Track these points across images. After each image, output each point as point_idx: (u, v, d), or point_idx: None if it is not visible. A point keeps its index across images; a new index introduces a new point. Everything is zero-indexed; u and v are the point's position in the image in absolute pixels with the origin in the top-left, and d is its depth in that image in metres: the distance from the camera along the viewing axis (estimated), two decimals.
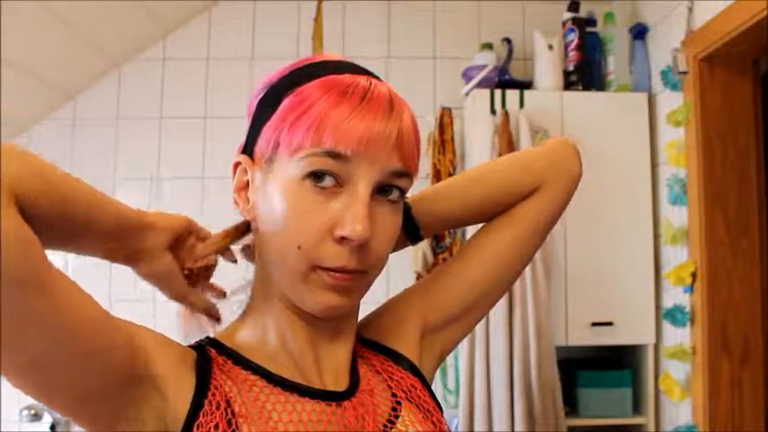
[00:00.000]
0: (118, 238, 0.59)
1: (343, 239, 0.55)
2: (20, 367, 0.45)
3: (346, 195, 0.56)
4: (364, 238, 0.55)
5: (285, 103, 0.58)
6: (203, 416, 0.53)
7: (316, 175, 0.56)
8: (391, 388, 0.66)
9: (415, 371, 0.69)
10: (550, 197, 0.74)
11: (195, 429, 0.53)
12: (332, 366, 0.63)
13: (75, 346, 0.46)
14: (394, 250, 0.66)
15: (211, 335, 0.64)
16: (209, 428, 0.53)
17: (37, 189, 0.49)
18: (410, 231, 0.72)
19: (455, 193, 0.75)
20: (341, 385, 0.63)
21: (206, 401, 0.54)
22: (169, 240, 0.63)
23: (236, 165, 0.63)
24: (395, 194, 0.59)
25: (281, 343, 0.62)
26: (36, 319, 0.43)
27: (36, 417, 2.09)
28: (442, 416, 0.67)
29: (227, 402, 0.55)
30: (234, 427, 0.54)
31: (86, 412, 0.51)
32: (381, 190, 0.58)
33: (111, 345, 0.49)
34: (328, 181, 0.56)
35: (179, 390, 0.54)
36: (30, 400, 2.12)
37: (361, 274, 0.58)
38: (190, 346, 0.61)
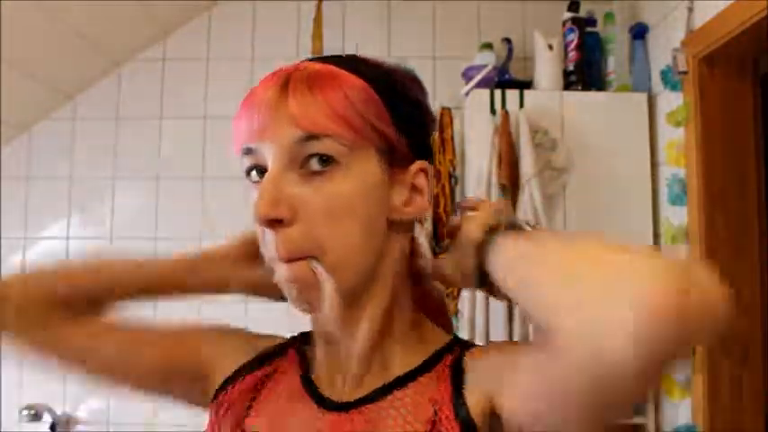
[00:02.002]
0: (175, 284, 0.71)
1: (266, 225, 0.55)
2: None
3: None
4: (263, 217, 0.54)
5: None
6: (231, 387, 0.65)
7: (249, 174, 0.59)
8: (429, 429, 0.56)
9: (467, 428, 0.55)
10: (557, 364, 0.45)
11: (229, 386, 0.65)
12: (341, 371, 0.62)
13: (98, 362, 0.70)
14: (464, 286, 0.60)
15: None
16: (226, 400, 0.64)
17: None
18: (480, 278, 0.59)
19: (513, 269, 0.53)
20: (344, 395, 0.60)
21: (248, 375, 0.65)
22: (237, 258, 0.69)
23: None
24: (314, 163, 0.55)
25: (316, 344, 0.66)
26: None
27: (36, 417, 2.09)
28: None
29: (254, 391, 0.64)
30: (247, 410, 0.63)
31: (179, 399, 0.71)
32: (306, 163, 0.56)
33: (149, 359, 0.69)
34: (254, 175, 0.58)
35: (224, 368, 0.67)
36: (30, 400, 2.12)
37: (311, 260, 0.55)
38: (292, 338, 0.70)
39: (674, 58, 1.79)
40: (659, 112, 1.97)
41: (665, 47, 1.91)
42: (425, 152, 0.64)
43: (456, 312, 1.94)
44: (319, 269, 0.55)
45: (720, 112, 1.74)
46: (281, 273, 0.56)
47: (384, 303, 0.61)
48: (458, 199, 2.02)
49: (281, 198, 0.55)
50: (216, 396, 0.65)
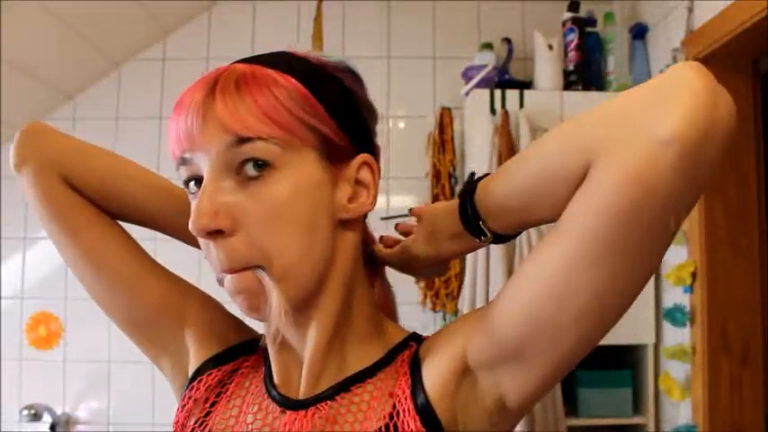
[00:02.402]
0: None
1: (207, 237, 0.54)
2: (75, 262, 0.70)
3: None
4: (199, 229, 0.52)
5: None
6: (197, 383, 0.65)
7: (186, 184, 0.57)
8: (387, 421, 0.56)
9: (427, 415, 0.54)
10: (591, 185, 0.44)
11: (195, 382, 0.65)
12: (298, 370, 0.61)
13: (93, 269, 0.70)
14: (460, 253, 0.61)
15: None
16: (192, 396, 0.64)
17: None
18: (471, 224, 0.57)
19: (512, 168, 0.54)
20: (301, 392, 0.60)
21: (207, 376, 0.65)
22: None
23: None
24: (249, 168, 0.53)
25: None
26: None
27: (36, 417, 2.09)
28: None
29: (220, 386, 0.64)
30: (212, 407, 0.63)
31: (137, 336, 0.71)
32: (241, 169, 0.53)
33: (141, 287, 0.69)
34: (192, 187, 0.56)
35: (199, 347, 0.67)
36: (30, 400, 2.12)
37: (256, 270, 0.54)
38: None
39: (674, 58, 1.79)
40: None
41: (665, 47, 1.91)
42: (368, 145, 0.62)
43: (456, 312, 1.94)
44: (265, 279, 0.54)
45: None
46: (227, 284, 0.55)
47: (337, 304, 0.59)
48: None
49: (219, 208, 0.53)
50: (189, 386, 0.66)
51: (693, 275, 1.74)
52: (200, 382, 0.65)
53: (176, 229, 0.71)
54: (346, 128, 0.58)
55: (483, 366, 0.55)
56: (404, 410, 0.55)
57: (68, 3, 1.88)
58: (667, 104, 0.41)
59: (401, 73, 2.27)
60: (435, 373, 0.56)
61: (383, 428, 0.55)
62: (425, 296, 1.98)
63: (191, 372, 0.67)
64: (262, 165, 0.53)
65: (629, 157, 0.42)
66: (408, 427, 0.54)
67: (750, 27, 1.51)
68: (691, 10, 1.76)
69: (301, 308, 0.57)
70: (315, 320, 0.59)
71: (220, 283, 0.56)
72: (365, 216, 0.63)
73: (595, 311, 0.49)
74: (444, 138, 2.04)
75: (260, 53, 0.60)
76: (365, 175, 0.60)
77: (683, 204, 0.45)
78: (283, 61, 0.58)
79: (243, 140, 0.52)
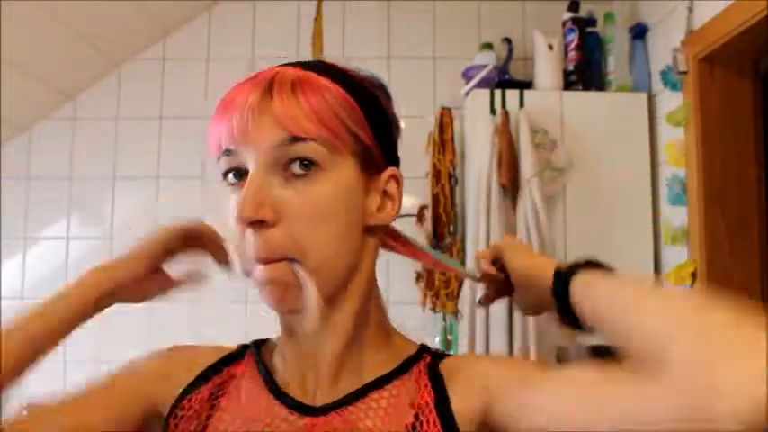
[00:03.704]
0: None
1: (244, 227, 0.56)
2: None
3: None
4: (246, 218, 0.55)
5: None
6: (183, 407, 0.62)
7: (227, 175, 0.59)
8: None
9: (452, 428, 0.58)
10: (647, 395, 0.45)
11: (180, 410, 0.62)
12: (314, 375, 0.62)
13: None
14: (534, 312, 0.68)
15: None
16: (186, 415, 0.62)
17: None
18: (569, 317, 0.62)
19: (612, 312, 0.56)
20: (319, 398, 0.61)
21: (193, 395, 0.63)
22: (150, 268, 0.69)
23: None
24: (296, 167, 0.56)
25: (282, 358, 0.65)
26: None
27: None
28: None
29: (212, 399, 0.63)
30: (207, 420, 0.61)
31: None
32: (288, 166, 0.56)
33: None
34: (232, 178, 0.59)
35: (170, 390, 0.64)
36: (29, 400, 2.12)
37: (290, 263, 0.56)
38: (244, 345, 0.69)
39: (674, 58, 1.79)
40: (659, 112, 1.97)
41: (665, 47, 1.91)
42: (395, 159, 0.66)
43: (456, 312, 1.94)
44: (300, 272, 0.56)
45: (720, 112, 1.74)
46: (259, 274, 0.57)
47: (358, 306, 0.62)
48: (458, 199, 2.02)
49: (265, 200, 0.55)
50: (172, 411, 0.63)
51: (693, 275, 1.74)
52: (189, 400, 0.63)
53: None
54: (381, 141, 0.62)
55: (493, 426, 0.57)
56: (428, 421, 0.57)
57: (68, 3, 1.88)
58: (742, 393, 0.40)
59: (401, 73, 2.27)
60: (466, 404, 0.59)
61: None
62: (425, 296, 1.98)
63: (169, 404, 0.64)
64: (308, 164, 0.56)
65: (687, 400, 0.42)
66: None
67: (750, 27, 1.51)
68: (691, 10, 1.76)
69: (328, 304, 0.59)
70: (333, 323, 0.61)
71: (248, 274, 0.58)
72: (383, 229, 0.67)
73: None
74: (444, 138, 2.04)
75: (299, 60, 0.63)
76: (392, 187, 0.64)
77: None
78: (329, 70, 0.61)
79: (295, 139, 0.55)
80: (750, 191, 1.74)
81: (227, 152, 0.58)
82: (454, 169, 2.02)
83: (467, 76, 2.09)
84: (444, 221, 1.98)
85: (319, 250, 0.57)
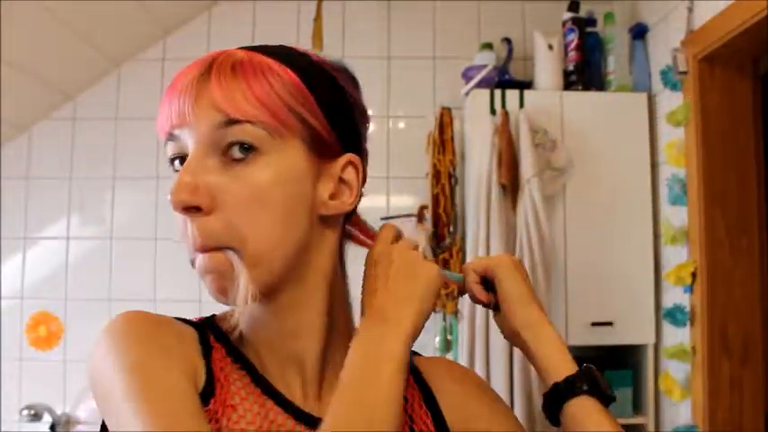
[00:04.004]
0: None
1: (184, 212, 0.54)
2: None
3: None
4: (177, 203, 0.52)
5: None
6: (218, 390, 0.55)
7: (172, 163, 0.58)
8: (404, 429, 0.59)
9: (441, 425, 0.62)
10: None
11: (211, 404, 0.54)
12: (299, 380, 0.60)
13: None
14: (437, 254, 0.63)
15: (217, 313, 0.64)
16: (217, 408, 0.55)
17: None
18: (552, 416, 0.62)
19: None
20: (313, 405, 0.59)
21: (215, 382, 0.56)
22: None
23: None
24: (235, 151, 0.53)
25: (257, 343, 0.60)
26: None
27: (36, 417, 2.09)
28: None
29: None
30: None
31: None
32: (227, 150, 0.54)
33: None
34: (176, 164, 0.57)
35: (191, 367, 0.55)
36: (30, 400, 2.12)
37: (227, 252, 0.53)
38: (194, 324, 0.61)
39: (674, 58, 1.79)
40: (659, 112, 1.97)
41: (665, 47, 1.91)
42: (356, 146, 0.62)
43: (456, 312, 1.94)
44: (236, 262, 0.53)
45: (720, 112, 1.74)
46: (198, 263, 0.55)
47: (324, 304, 0.60)
48: (458, 199, 2.02)
49: (200, 185, 0.53)
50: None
51: (693, 275, 1.74)
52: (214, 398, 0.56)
53: None
54: (336, 125, 0.58)
55: None
56: (419, 416, 0.61)
57: (68, 3, 1.88)
58: None
59: (401, 73, 2.27)
60: (451, 417, 0.63)
61: None
62: None
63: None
64: (248, 148, 0.53)
65: None
66: None
67: (750, 27, 1.51)
68: (691, 10, 1.75)
69: (287, 309, 0.58)
70: (306, 324, 0.59)
71: (192, 263, 0.56)
72: (349, 217, 0.64)
73: None
74: (444, 138, 2.04)
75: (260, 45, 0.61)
76: (350, 174, 0.60)
77: None
78: (282, 52, 0.58)
79: (232, 122, 0.53)
80: (750, 191, 1.74)
81: (171, 137, 0.56)
82: (454, 169, 2.02)
83: (467, 76, 2.09)
84: (444, 221, 1.98)
85: (259, 239, 0.54)
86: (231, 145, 0.53)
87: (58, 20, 1.92)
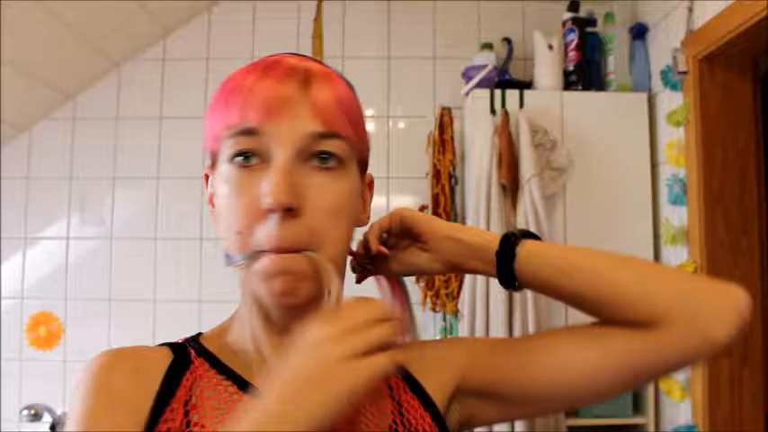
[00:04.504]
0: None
1: (269, 213, 0.54)
2: None
3: (269, 169, 0.55)
4: (280, 203, 0.52)
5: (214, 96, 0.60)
6: (168, 413, 0.55)
7: (239, 156, 0.56)
8: (395, 415, 0.61)
9: (431, 407, 0.64)
10: (662, 345, 0.58)
11: (161, 424, 0.55)
12: None
13: None
14: (471, 271, 0.65)
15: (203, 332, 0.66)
16: (170, 427, 0.55)
17: None
18: (507, 280, 0.64)
19: (569, 272, 0.62)
20: None
21: (172, 400, 0.56)
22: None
23: (206, 178, 0.64)
24: (324, 160, 0.56)
25: (256, 349, 0.61)
26: None
27: (36, 417, 2.09)
28: None
29: (186, 405, 0.56)
30: (188, 429, 0.55)
31: None
32: (316, 158, 0.56)
33: None
34: (252, 160, 0.56)
35: (138, 402, 0.56)
36: (30, 400, 2.12)
37: (304, 255, 0.54)
38: (173, 345, 0.62)
39: (674, 58, 1.79)
40: (659, 112, 1.97)
41: (665, 47, 1.91)
42: (367, 165, 0.67)
43: (455, 312, 1.94)
44: (323, 263, 0.55)
45: (720, 112, 1.74)
46: (270, 264, 0.54)
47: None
48: (458, 199, 2.02)
49: (297, 188, 0.54)
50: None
51: None
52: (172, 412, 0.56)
53: None
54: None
55: (472, 391, 0.66)
56: (407, 402, 0.63)
57: (68, 3, 1.88)
58: (729, 322, 0.57)
59: (401, 73, 2.27)
60: (432, 380, 0.65)
61: (396, 422, 0.61)
62: (425, 296, 1.98)
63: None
64: (334, 159, 0.57)
65: (698, 344, 0.57)
66: (420, 422, 0.62)
67: (750, 27, 1.51)
68: (691, 10, 1.76)
69: (310, 312, 0.57)
70: None
71: (249, 262, 0.55)
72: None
73: (589, 400, 0.65)
74: (444, 138, 2.04)
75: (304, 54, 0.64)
76: (367, 192, 0.66)
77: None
78: (336, 69, 0.62)
79: (329, 134, 0.56)
80: (750, 191, 1.74)
81: (248, 132, 0.55)
82: (454, 169, 2.02)
83: (467, 76, 2.09)
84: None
85: (333, 245, 0.57)
86: (318, 153, 0.56)
87: (58, 20, 1.92)
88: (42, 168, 2.27)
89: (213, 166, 0.61)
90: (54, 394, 2.15)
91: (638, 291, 0.59)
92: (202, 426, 0.55)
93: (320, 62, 0.62)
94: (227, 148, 0.57)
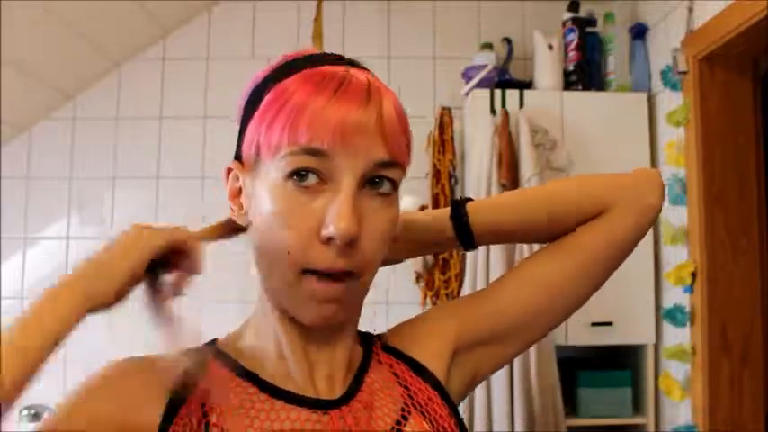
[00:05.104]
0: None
1: (329, 240, 0.53)
2: None
3: (331, 192, 0.54)
4: (349, 236, 0.52)
5: (264, 101, 0.57)
6: (183, 411, 0.56)
7: (298, 175, 0.54)
8: (405, 399, 0.63)
9: (436, 385, 0.66)
10: (612, 224, 0.67)
11: (176, 424, 0.55)
12: (325, 373, 0.62)
13: None
14: (437, 254, 0.67)
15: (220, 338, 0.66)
16: (187, 426, 0.55)
17: None
18: (464, 239, 0.68)
19: (515, 206, 0.70)
20: (334, 393, 0.61)
21: (183, 408, 0.56)
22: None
23: (229, 171, 0.62)
24: (386, 186, 0.56)
25: (278, 352, 0.61)
26: None
27: (36, 417, 2.09)
28: None
29: (204, 407, 0.56)
30: (206, 429, 0.55)
31: None
32: (370, 183, 0.55)
33: None
34: (311, 179, 0.54)
35: (147, 411, 0.55)
36: (30, 400, 2.12)
37: (351, 278, 0.55)
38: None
39: (674, 58, 1.79)
40: (659, 112, 1.97)
41: (665, 47, 1.91)
42: None
43: None
44: (354, 288, 0.57)
45: (720, 112, 1.74)
46: (319, 290, 0.55)
47: (359, 317, 0.66)
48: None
49: (361, 217, 0.54)
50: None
51: (693, 275, 1.74)
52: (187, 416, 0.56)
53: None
54: None
55: (470, 347, 0.68)
56: (414, 384, 0.65)
57: (68, 3, 1.88)
58: (655, 190, 0.68)
59: (401, 73, 2.26)
60: (429, 356, 0.67)
61: (408, 404, 0.63)
62: (425, 296, 1.98)
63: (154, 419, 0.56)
64: (390, 186, 0.57)
65: (641, 210, 0.68)
66: (431, 404, 0.63)
67: (750, 27, 1.51)
68: (691, 10, 1.76)
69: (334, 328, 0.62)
70: (345, 333, 0.64)
71: (292, 284, 0.55)
72: None
73: (572, 310, 0.70)
74: (444, 138, 2.04)
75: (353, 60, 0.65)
76: None
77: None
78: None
79: (393, 164, 0.56)
80: (750, 191, 1.74)
81: (315, 152, 0.53)
82: (454, 169, 2.02)
83: (467, 76, 2.09)
84: None
85: (374, 270, 0.58)
86: (380, 179, 0.56)
87: (58, 20, 1.92)
88: (42, 168, 2.27)
89: (249, 167, 0.59)
90: (54, 394, 2.15)
91: (579, 194, 0.68)
92: (222, 427, 0.55)
93: (372, 73, 0.62)
94: (286, 163, 0.54)
